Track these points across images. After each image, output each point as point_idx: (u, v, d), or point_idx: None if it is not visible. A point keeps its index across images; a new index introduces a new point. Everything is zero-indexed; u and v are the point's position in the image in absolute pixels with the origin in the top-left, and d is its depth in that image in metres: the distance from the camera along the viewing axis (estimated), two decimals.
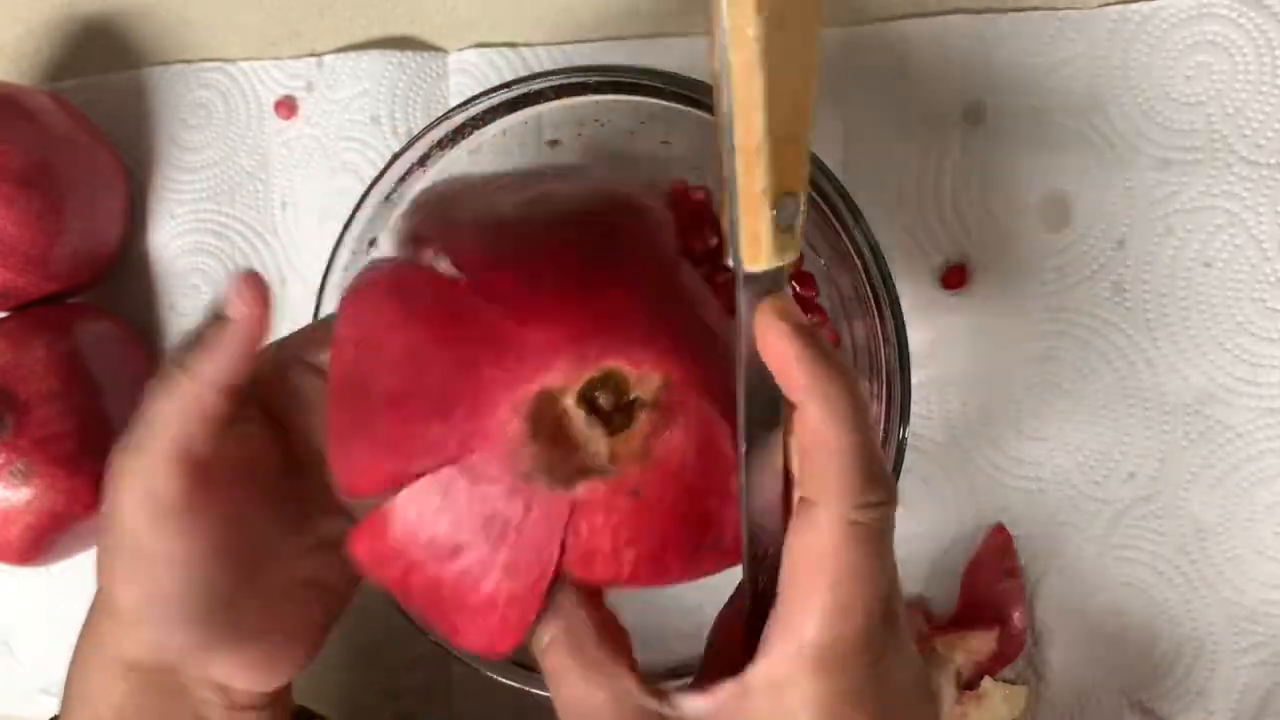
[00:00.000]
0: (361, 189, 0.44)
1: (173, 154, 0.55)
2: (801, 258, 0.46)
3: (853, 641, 0.28)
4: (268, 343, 0.34)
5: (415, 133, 0.43)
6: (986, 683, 0.46)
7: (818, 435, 0.28)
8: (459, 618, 0.31)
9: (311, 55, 0.54)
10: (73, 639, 0.56)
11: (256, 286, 0.32)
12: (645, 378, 0.30)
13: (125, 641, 0.34)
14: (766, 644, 0.29)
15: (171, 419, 0.31)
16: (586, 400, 0.30)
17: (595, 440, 0.30)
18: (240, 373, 0.32)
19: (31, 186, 0.48)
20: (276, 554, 0.35)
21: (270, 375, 0.35)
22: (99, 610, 0.35)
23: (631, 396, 0.30)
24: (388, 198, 0.44)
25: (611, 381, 0.30)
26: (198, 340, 0.32)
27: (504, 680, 0.43)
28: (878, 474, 0.28)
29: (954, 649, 0.46)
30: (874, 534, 0.28)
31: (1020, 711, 0.46)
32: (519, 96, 0.42)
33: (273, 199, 0.54)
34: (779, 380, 0.29)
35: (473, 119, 0.43)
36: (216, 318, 0.32)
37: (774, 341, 0.28)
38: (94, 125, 0.53)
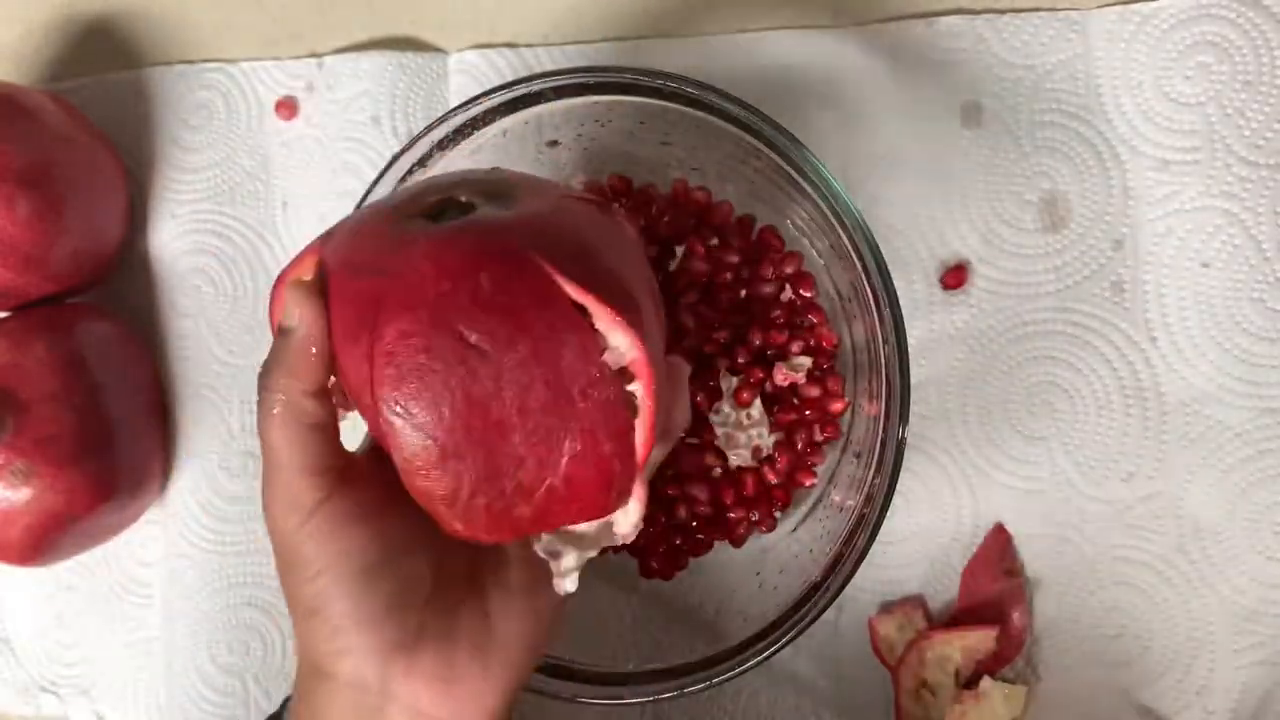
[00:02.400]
0: (362, 189, 0.44)
1: (173, 154, 0.55)
2: (801, 257, 0.47)
3: None
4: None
5: (415, 133, 0.43)
6: (986, 682, 0.46)
7: None
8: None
9: (312, 56, 0.54)
10: (72, 638, 0.56)
11: (309, 292, 0.34)
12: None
13: (316, 651, 0.35)
14: None
15: (284, 438, 0.34)
16: None
17: None
18: (322, 375, 0.34)
19: (32, 187, 0.48)
20: (450, 557, 0.36)
21: None
22: (294, 615, 0.36)
23: None
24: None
25: None
26: (271, 360, 0.34)
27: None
28: None
29: (954, 648, 0.46)
30: None
31: (1020, 711, 0.46)
32: (519, 97, 0.42)
33: (273, 199, 0.54)
34: None
35: (473, 119, 0.43)
36: (281, 333, 0.34)
37: None
38: (94, 126, 0.53)
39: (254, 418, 0.43)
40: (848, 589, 0.40)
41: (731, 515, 0.47)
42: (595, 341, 0.32)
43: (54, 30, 0.57)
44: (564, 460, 0.32)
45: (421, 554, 0.35)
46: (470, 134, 0.43)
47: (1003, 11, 0.47)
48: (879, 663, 0.48)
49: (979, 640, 0.46)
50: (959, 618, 0.47)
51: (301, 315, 0.34)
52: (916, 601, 0.48)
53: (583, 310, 0.32)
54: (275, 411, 0.34)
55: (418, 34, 0.53)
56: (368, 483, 0.35)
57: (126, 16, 0.56)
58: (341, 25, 0.54)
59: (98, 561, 0.56)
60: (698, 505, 0.47)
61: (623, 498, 0.34)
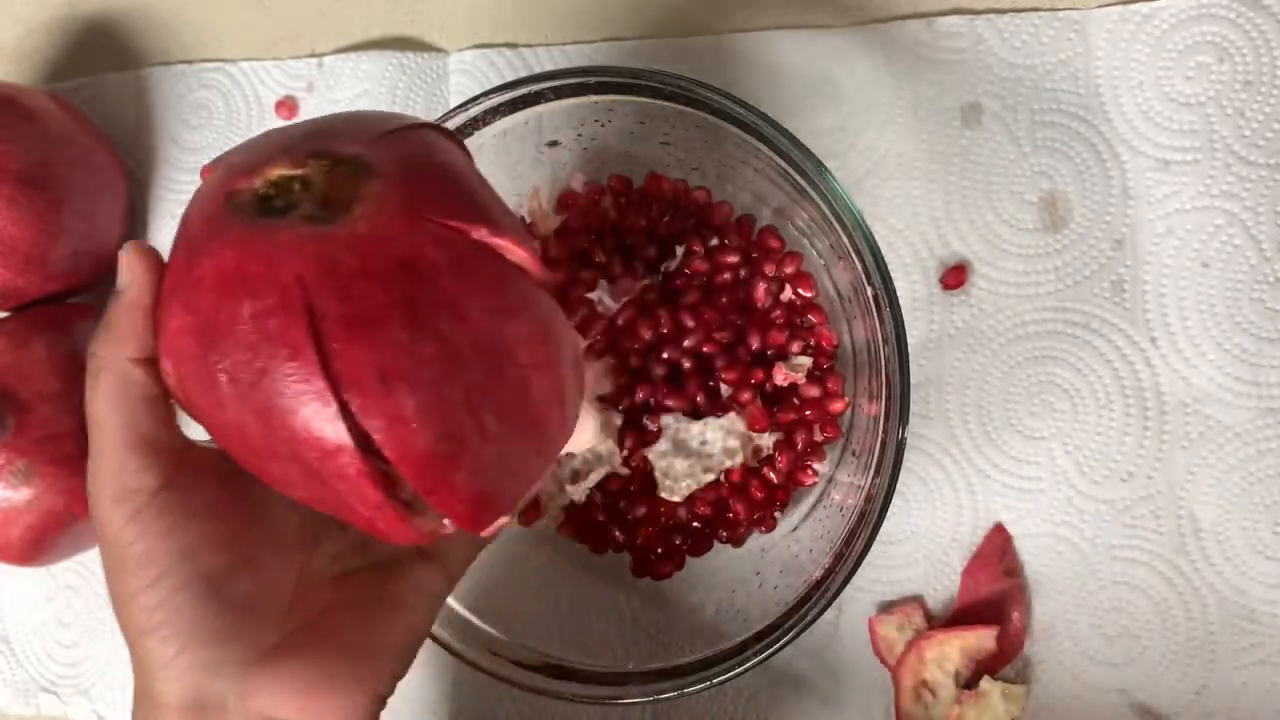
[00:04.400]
0: None
1: (173, 154, 0.55)
2: (801, 257, 0.47)
3: None
4: None
5: None
6: (986, 682, 0.46)
7: None
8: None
9: (312, 56, 0.54)
10: (72, 637, 0.56)
11: (140, 252, 0.31)
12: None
13: (160, 682, 0.30)
14: None
15: (110, 408, 0.30)
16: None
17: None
18: (145, 338, 0.30)
19: (32, 187, 0.48)
20: (307, 551, 0.33)
21: None
22: (126, 635, 0.31)
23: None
24: None
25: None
26: (100, 325, 0.31)
27: (504, 681, 0.43)
28: None
29: (953, 648, 0.46)
30: None
31: (1019, 711, 0.46)
32: (519, 97, 0.42)
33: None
34: None
35: (473, 119, 0.43)
36: (113, 296, 0.31)
37: None
38: (94, 126, 0.53)
39: None
40: (848, 589, 0.40)
41: (732, 515, 0.47)
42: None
43: (54, 30, 0.57)
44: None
45: (281, 556, 0.32)
46: (470, 134, 0.43)
47: (1003, 11, 0.47)
48: (879, 663, 0.48)
49: (979, 640, 0.46)
50: (959, 617, 0.47)
51: (132, 275, 0.30)
52: (916, 602, 0.48)
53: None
54: (100, 380, 0.30)
55: (418, 34, 0.53)
56: (212, 474, 0.31)
57: (126, 16, 0.56)
58: (342, 25, 0.54)
59: (97, 561, 0.56)
60: (698, 505, 0.47)
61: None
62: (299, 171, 0.29)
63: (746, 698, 0.49)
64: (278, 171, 0.29)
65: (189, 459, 0.31)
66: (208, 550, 0.30)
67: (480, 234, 0.30)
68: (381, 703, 0.32)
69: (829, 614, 0.48)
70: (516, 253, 0.31)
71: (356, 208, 0.29)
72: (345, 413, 0.27)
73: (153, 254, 0.31)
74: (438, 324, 0.28)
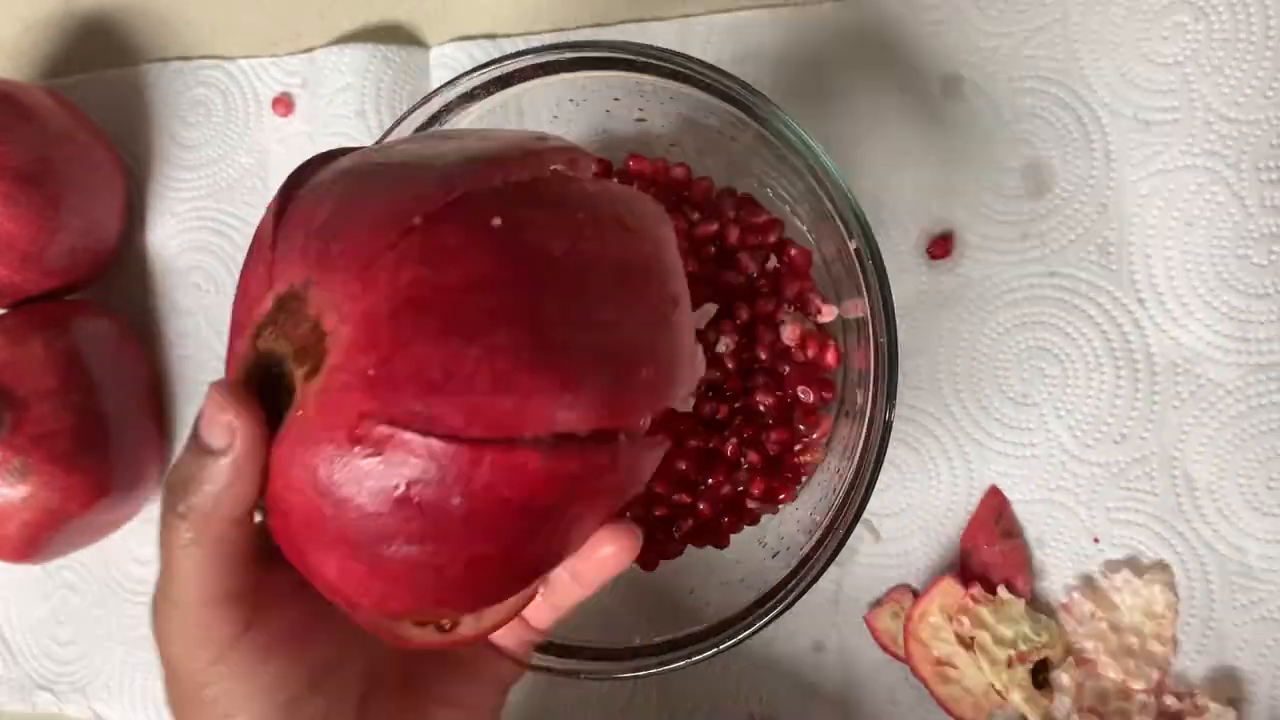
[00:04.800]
0: None
1: (172, 151, 0.56)
2: (783, 223, 0.47)
3: None
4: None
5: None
6: (1003, 591, 0.45)
7: None
8: None
9: (306, 52, 0.54)
10: (68, 635, 0.56)
11: (235, 394, 0.27)
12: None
13: None
14: None
15: (198, 570, 0.28)
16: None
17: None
18: (251, 500, 0.28)
19: (30, 183, 0.49)
20: (381, 664, 0.33)
21: None
22: None
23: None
24: None
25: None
26: (186, 479, 0.28)
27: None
28: None
29: (935, 616, 0.46)
30: None
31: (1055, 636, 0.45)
32: (493, 79, 0.42)
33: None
34: None
35: (448, 104, 0.43)
36: (200, 448, 0.27)
37: None
38: (92, 122, 0.54)
39: None
40: (848, 579, 0.40)
41: (752, 505, 0.47)
42: None
43: (52, 26, 0.58)
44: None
45: (348, 667, 0.32)
46: (446, 119, 0.43)
47: None
48: (890, 658, 0.48)
49: (946, 594, 0.45)
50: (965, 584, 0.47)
51: (233, 429, 0.27)
52: (903, 588, 0.48)
53: None
54: (188, 540, 0.28)
55: (414, 29, 0.54)
56: (290, 594, 0.30)
57: (124, 13, 0.57)
58: (338, 22, 0.55)
59: (94, 559, 0.56)
60: (721, 488, 0.46)
61: None
62: (267, 352, 0.28)
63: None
64: (260, 345, 0.28)
65: (266, 591, 0.30)
66: (282, 683, 0.30)
67: (441, 199, 0.27)
68: None
69: (833, 616, 0.48)
70: (516, 171, 0.29)
71: (324, 325, 0.27)
72: None
73: (257, 409, 0.27)
74: (481, 306, 0.26)
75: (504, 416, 0.26)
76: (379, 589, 0.27)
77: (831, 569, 0.40)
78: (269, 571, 0.30)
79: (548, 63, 0.42)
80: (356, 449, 0.26)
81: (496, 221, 0.27)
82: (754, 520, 0.47)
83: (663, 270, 0.31)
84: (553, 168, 0.31)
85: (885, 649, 0.48)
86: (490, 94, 0.43)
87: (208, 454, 0.27)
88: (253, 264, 0.30)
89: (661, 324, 0.30)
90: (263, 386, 0.28)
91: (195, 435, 0.28)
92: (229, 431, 0.27)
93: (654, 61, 0.41)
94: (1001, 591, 0.45)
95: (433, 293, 0.26)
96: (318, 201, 0.29)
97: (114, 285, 0.56)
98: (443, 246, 0.27)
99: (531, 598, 0.33)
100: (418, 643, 0.30)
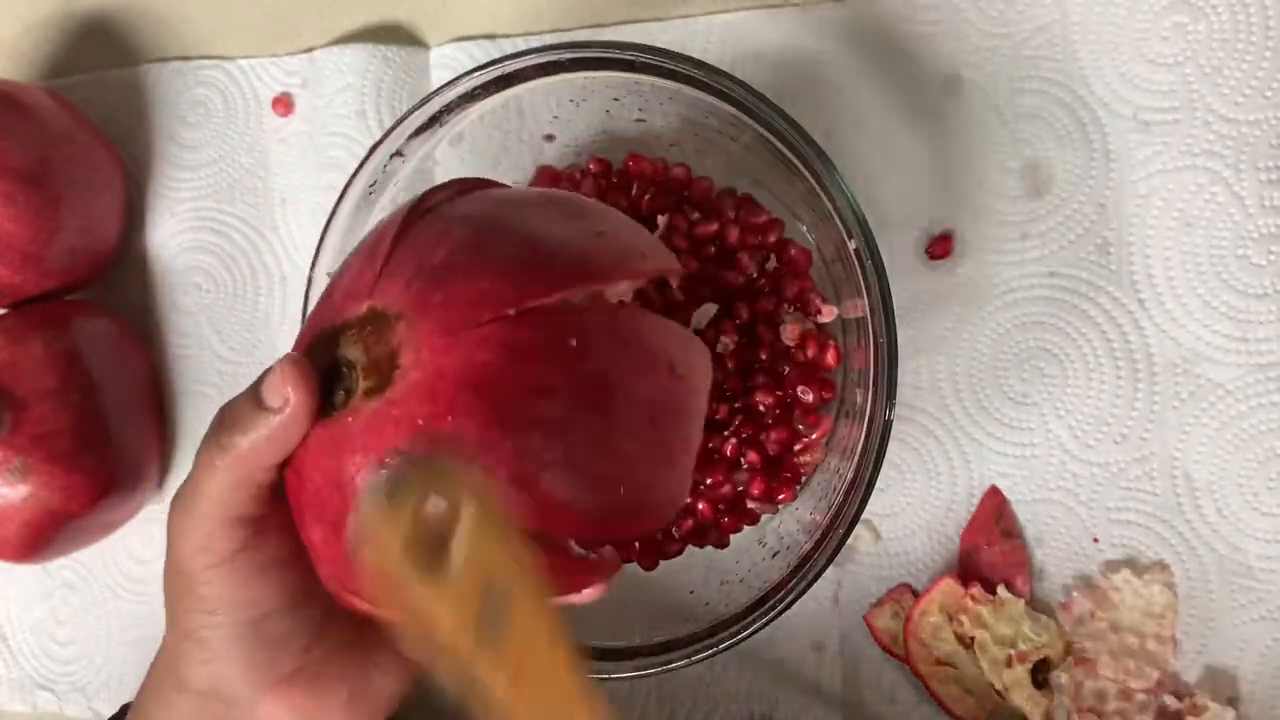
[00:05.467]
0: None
1: (171, 151, 0.56)
2: (782, 223, 0.47)
3: None
4: None
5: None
6: (1003, 591, 0.45)
7: None
8: None
9: (305, 52, 0.54)
10: (69, 634, 0.56)
11: (301, 373, 0.31)
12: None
13: (186, 667, 0.35)
14: None
15: (220, 492, 0.33)
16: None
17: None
18: (279, 456, 0.32)
19: (29, 183, 0.49)
20: (336, 612, 0.36)
21: None
22: (168, 637, 0.37)
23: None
24: (370, 190, 0.44)
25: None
26: (239, 421, 0.32)
27: None
28: None
29: (935, 615, 0.46)
30: None
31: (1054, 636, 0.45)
32: (493, 79, 0.42)
33: (272, 196, 0.55)
34: None
35: (448, 104, 0.43)
36: (258, 401, 0.32)
37: None
38: (92, 122, 0.54)
39: None
40: (851, 580, 0.40)
41: (752, 505, 0.47)
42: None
43: (52, 27, 0.58)
44: None
45: (317, 599, 0.35)
46: (446, 120, 0.43)
47: None
48: (891, 658, 0.48)
49: (946, 593, 0.45)
50: (965, 583, 0.47)
51: (287, 398, 0.31)
52: (903, 588, 0.48)
53: None
54: (220, 468, 0.32)
55: (414, 29, 0.54)
56: (280, 533, 0.34)
57: (124, 13, 0.57)
58: (338, 22, 0.55)
59: (94, 559, 0.56)
60: (721, 488, 0.46)
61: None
62: (343, 352, 0.31)
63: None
64: (341, 344, 0.31)
65: (270, 521, 0.34)
66: (261, 600, 0.34)
67: (539, 299, 0.31)
68: None
69: (834, 619, 0.48)
70: (614, 285, 0.32)
71: (400, 358, 0.30)
72: None
73: (314, 390, 0.32)
74: (530, 411, 0.29)
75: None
76: (342, 568, 0.32)
77: (831, 569, 0.40)
78: (273, 507, 0.34)
79: (548, 63, 0.42)
80: (378, 472, 0.30)
81: (573, 342, 0.30)
82: (754, 520, 0.47)
83: (690, 415, 0.34)
84: (626, 300, 0.34)
85: (885, 649, 0.48)
86: (490, 94, 0.43)
87: (260, 408, 0.32)
88: (364, 260, 0.33)
89: (670, 465, 0.33)
90: (327, 368, 0.32)
91: (257, 386, 0.32)
92: (283, 399, 0.31)
93: (654, 61, 0.41)
94: (1001, 591, 0.45)
95: (498, 381, 0.30)
96: (438, 240, 0.32)
97: (114, 285, 0.56)
98: (522, 346, 0.30)
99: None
100: (358, 607, 0.33)
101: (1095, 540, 0.46)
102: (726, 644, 0.41)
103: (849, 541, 0.41)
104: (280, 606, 0.34)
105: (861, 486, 0.40)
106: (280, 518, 0.34)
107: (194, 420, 0.56)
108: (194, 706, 0.35)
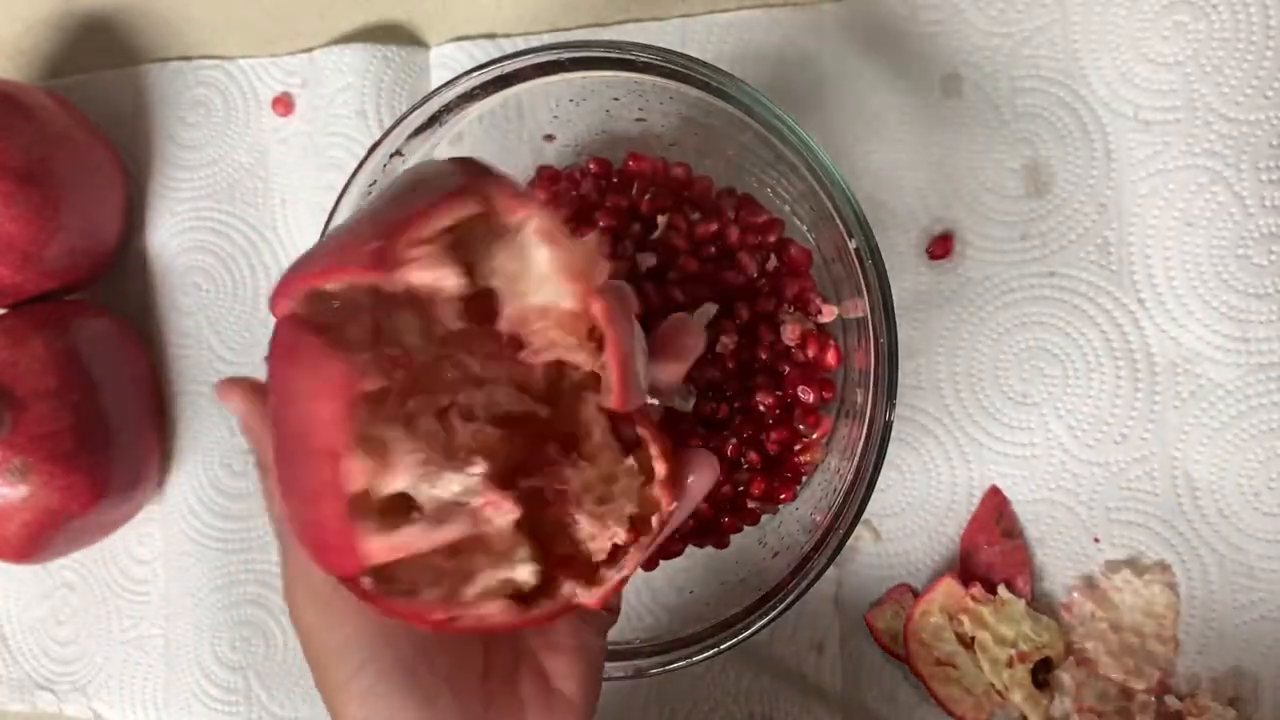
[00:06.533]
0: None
1: (171, 151, 0.56)
2: (782, 223, 0.47)
3: None
4: None
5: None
6: (1004, 591, 0.45)
7: None
8: None
9: (305, 52, 0.54)
10: (69, 634, 0.56)
11: (228, 385, 0.32)
12: None
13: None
14: None
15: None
16: None
17: None
18: None
19: (29, 183, 0.49)
20: None
21: None
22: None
23: None
24: (370, 190, 0.44)
25: None
26: (256, 461, 0.32)
27: None
28: None
29: (936, 615, 0.46)
30: None
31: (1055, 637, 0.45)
32: (493, 79, 0.42)
33: (272, 196, 0.55)
34: None
35: (448, 104, 0.43)
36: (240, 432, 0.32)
37: None
38: (92, 122, 0.54)
39: None
40: (851, 580, 0.40)
41: (752, 505, 0.47)
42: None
43: (52, 27, 0.58)
44: None
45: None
46: (447, 119, 0.43)
47: None
48: (893, 659, 0.48)
49: (947, 593, 0.45)
50: (965, 583, 0.47)
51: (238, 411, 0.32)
52: (903, 588, 0.48)
53: None
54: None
55: (414, 29, 0.54)
56: None
57: (124, 13, 0.57)
58: (338, 22, 0.55)
59: (94, 558, 0.56)
60: (721, 488, 0.46)
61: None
62: None
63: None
64: None
65: None
66: (398, 635, 0.30)
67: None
68: None
69: (835, 621, 0.48)
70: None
71: None
72: None
73: (242, 383, 0.32)
74: None
75: None
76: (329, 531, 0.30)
77: (831, 569, 0.40)
78: None
79: (548, 63, 0.42)
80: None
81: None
82: (754, 520, 0.47)
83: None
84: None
85: (885, 649, 0.48)
86: (490, 94, 0.43)
87: (242, 437, 0.31)
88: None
89: None
90: None
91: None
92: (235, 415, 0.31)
93: (654, 61, 0.41)
94: (1002, 591, 0.45)
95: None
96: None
97: (114, 285, 0.56)
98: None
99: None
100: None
101: (1096, 540, 0.46)
102: (727, 644, 0.41)
103: (849, 541, 0.41)
104: (431, 639, 0.31)
105: (861, 486, 0.40)
106: None
107: (194, 420, 0.56)
108: None
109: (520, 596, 0.30)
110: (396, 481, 0.28)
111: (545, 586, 0.31)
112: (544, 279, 0.30)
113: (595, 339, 0.31)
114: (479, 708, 0.31)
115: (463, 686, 0.31)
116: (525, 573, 0.30)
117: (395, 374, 0.29)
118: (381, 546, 0.28)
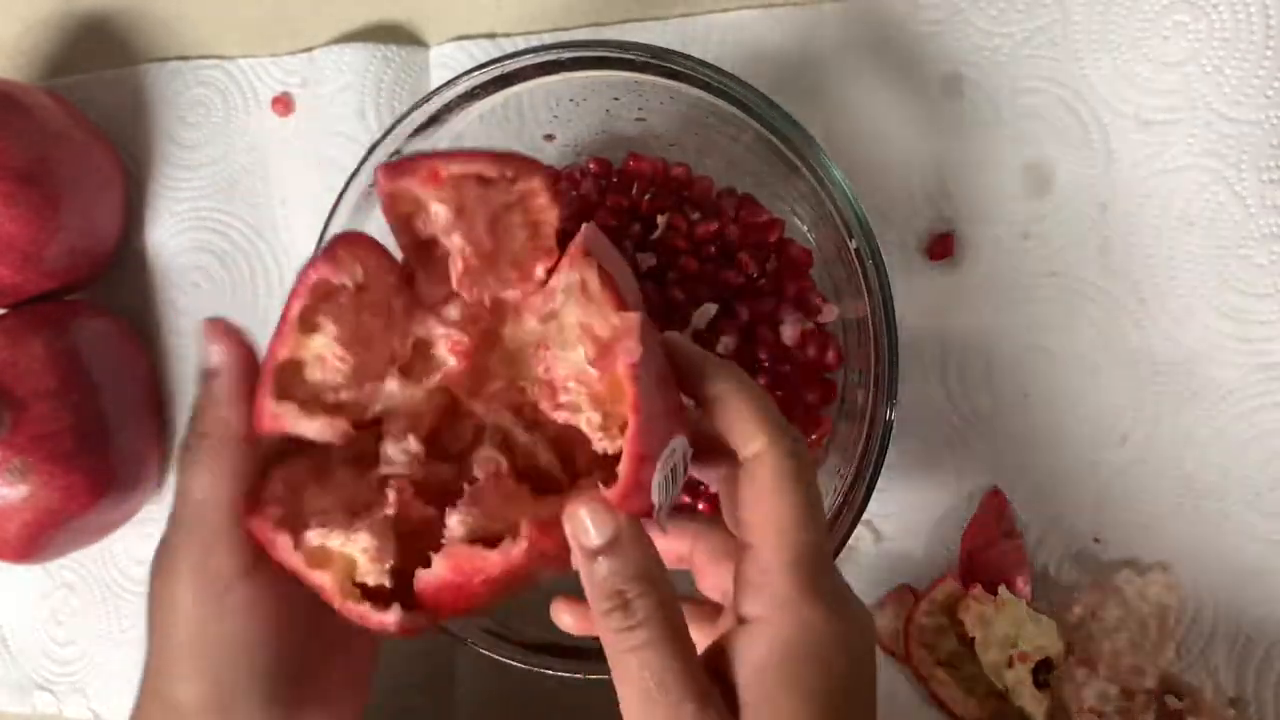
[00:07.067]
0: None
1: (171, 151, 0.56)
2: (783, 223, 0.47)
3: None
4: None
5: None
6: (1004, 592, 0.45)
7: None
8: None
9: (305, 51, 0.54)
10: (68, 634, 0.56)
11: (224, 329, 0.31)
12: None
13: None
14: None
15: (213, 488, 0.30)
16: None
17: None
18: (244, 415, 0.31)
19: (29, 183, 0.49)
20: (330, 617, 0.34)
21: None
22: (153, 707, 0.32)
23: None
24: (370, 190, 0.44)
25: None
26: (198, 404, 0.31)
27: (508, 662, 0.42)
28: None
29: (936, 616, 0.46)
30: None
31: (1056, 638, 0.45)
32: (493, 79, 0.42)
33: (272, 196, 0.55)
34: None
35: (448, 104, 0.43)
36: (206, 376, 0.31)
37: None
38: (91, 122, 0.54)
39: None
40: (851, 580, 0.39)
41: None
42: None
43: (51, 27, 0.58)
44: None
45: (318, 636, 0.33)
46: (446, 120, 0.43)
47: None
48: (893, 659, 0.48)
49: (947, 593, 0.45)
50: (964, 582, 0.46)
51: (228, 351, 0.31)
52: (903, 588, 0.48)
53: None
54: (204, 457, 0.30)
55: (414, 28, 0.54)
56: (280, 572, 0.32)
57: (123, 13, 0.57)
58: (338, 22, 0.55)
59: (94, 559, 0.56)
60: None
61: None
62: None
63: None
64: None
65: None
66: (277, 639, 0.31)
67: None
68: None
69: None
70: None
71: None
72: None
73: (237, 328, 0.32)
74: None
75: None
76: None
77: None
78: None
79: (548, 63, 0.42)
80: None
81: None
82: None
83: None
84: None
85: (885, 649, 0.48)
86: (490, 94, 0.43)
87: (208, 377, 0.31)
88: None
89: None
90: None
91: (201, 368, 0.31)
92: (218, 357, 0.31)
93: (654, 61, 0.41)
94: (1002, 592, 0.45)
95: None
96: None
97: (114, 285, 0.56)
98: None
99: None
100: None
101: (1096, 540, 0.46)
102: None
103: (849, 541, 0.41)
104: (295, 639, 0.32)
105: (861, 486, 0.40)
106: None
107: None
108: None
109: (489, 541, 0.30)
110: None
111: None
112: (575, 340, 0.31)
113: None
114: (298, 697, 0.32)
115: (294, 680, 0.32)
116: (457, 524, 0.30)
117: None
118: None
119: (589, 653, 0.43)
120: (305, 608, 0.32)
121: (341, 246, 0.31)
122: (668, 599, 0.29)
